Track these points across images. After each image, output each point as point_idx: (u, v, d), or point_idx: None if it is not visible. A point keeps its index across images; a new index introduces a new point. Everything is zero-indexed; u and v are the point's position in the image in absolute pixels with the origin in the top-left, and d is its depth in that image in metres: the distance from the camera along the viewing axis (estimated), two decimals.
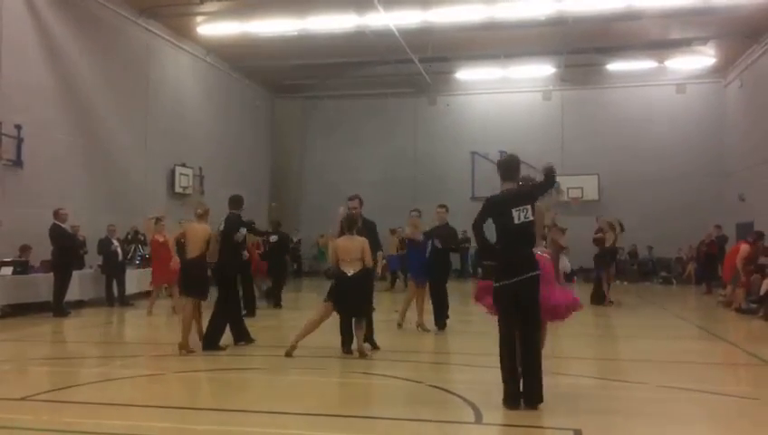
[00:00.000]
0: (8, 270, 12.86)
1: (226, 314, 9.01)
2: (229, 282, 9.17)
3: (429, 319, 10.70)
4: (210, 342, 8.79)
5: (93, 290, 14.75)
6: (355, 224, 8.55)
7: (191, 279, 8.79)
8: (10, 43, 14.54)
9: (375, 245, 8.75)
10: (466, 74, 25.47)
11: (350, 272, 8.21)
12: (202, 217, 9.00)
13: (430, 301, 10.73)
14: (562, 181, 24.71)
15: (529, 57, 23.55)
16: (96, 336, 11.27)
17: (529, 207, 5.76)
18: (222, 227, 9.12)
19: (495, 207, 5.84)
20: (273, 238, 14.15)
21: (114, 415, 5.54)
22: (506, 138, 25.71)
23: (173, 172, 20.55)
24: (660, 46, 22.46)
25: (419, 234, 10.63)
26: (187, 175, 21.12)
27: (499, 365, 5.73)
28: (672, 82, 25.15)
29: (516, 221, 5.71)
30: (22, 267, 13.21)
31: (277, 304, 14.28)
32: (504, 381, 5.65)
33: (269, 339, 10.10)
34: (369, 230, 8.84)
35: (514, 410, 5.50)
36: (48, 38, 15.76)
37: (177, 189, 20.59)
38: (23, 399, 6.06)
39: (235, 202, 9.40)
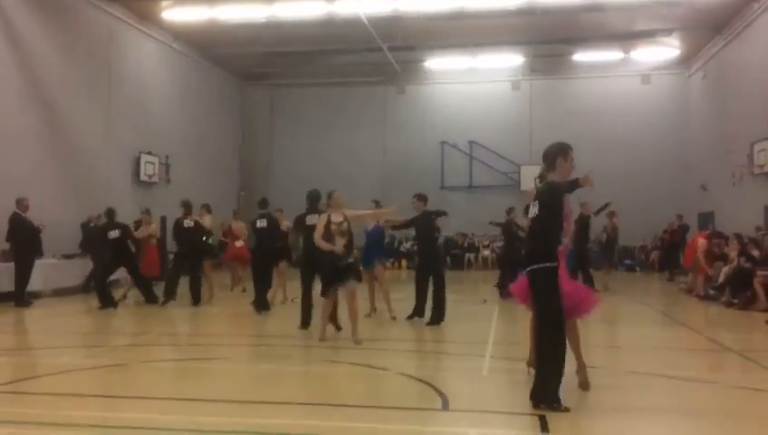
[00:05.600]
0: None
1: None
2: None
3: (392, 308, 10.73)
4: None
5: (55, 280, 14.45)
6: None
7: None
8: None
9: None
10: (436, 64, 25.48)
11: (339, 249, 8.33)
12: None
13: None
14: (529, 171, 25.07)
15: (498, 47, 23.65)
16: (59, 326, 11.06)
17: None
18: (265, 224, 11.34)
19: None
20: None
21: (75, 406, 5.45)
22: (476, 128, 25.98)
23: (138, 160, 20.21)
24: (626, 37, 22.77)
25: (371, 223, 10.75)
26: (153, 163, 20.78)
27: (551, 364, 5.19)
28: (637, 72, 25.51)
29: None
30: None
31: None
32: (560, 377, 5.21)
33: (241, 329, 10.05)
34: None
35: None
36: (6, 22, 15.33)
37: (143, 178, 20.26)
38: None
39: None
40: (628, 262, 24.19)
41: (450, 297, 10.58)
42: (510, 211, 13.58)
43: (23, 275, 12.57)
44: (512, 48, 23.96)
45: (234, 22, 20.11)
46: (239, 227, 15.47)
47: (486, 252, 24.58)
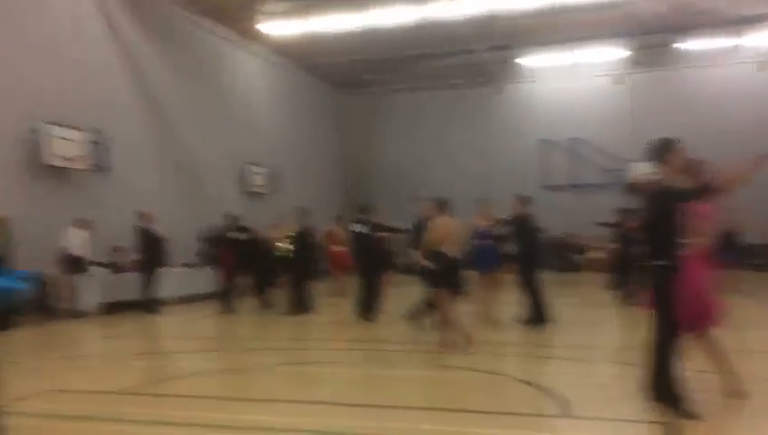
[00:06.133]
0: (103, 270, 13.56)
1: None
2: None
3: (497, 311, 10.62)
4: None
5: (180, 287, 15.21)
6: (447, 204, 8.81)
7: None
8: (95, 58, 15.30)
9: None
10: (533, 62, 25.04)
11: (452, 253, 8.37)
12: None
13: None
14: (636, 167, 24.10)
15: (598, 41, 22.94)
16: (186, 332, 11.71)
17: None
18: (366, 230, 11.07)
19: None
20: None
21: (205, 407, 5.79)
22: (577, 125, 25.28)
23: (246, 172, 21.10)
24: (737, 22, 21.46)
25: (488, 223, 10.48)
26: (261, 174, 21.64)
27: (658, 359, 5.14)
28: (752, 60, 23.99)
29: None
30: (114, 268, 13.90)
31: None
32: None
33: (351, 334, 10.30)
34: None
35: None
36: (128, 51, 16.49)
37: (252, 188, 21.14)
38: (119, 392, 6.37)
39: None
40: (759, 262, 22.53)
41: (563, 301, 10.38)
42: (621, 211, 13.10)
43: (151, 284, 13.42)
44: (612, 41, 23.16)
45: (330, 32, 20.59)
46: (338, 232, 15.78)
47: (596, 253, 23.72)
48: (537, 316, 9.93)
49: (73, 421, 5.36)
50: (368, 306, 11.24)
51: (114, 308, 13.40)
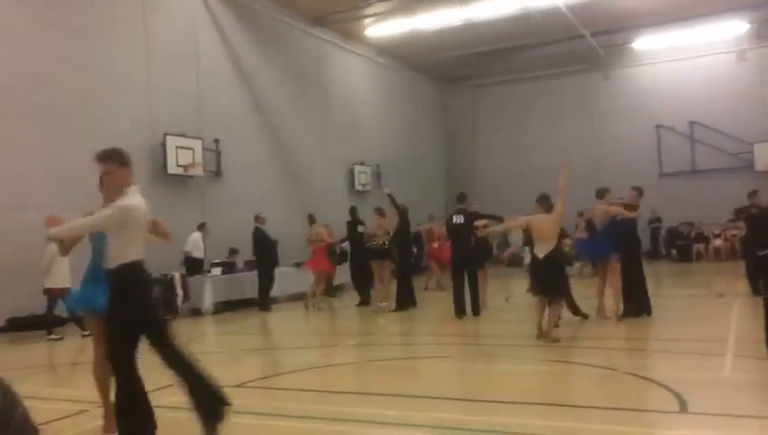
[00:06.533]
0: (218, 271, 14.30)
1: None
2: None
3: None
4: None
5: (289, 286, 15.74)
6: (549, 201, 8.47)
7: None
8: (207, 67, 16.12)
9: None
10: (644, 44, 23.84)
11: (541, 254, 8.16)
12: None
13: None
14: (766, 149, 22.39)
15: (715, 16, 21.48)
16: (296, 328, 12.13)
17: None
18: (462, 221, 10.73)
19: None
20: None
21: (316, 400, 5.96)
22: (695, 107, 23.81)
23: (352, 171, 21.53)
24: None
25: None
26: (366, 172, 22.01)
27: None
28: None
29: None
30: (229, 268, 14.61)
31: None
32: None
33: (457, 329, 10.27)
34: None
35: None
36: (236, 59, 17.26)
37: (357, 187, 21.54)
38: (238, 386, 6.69)
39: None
40: None
41: (680, 292, 9.87)
42: (752, 195, 12.17)
43: (265, 283, 13.98)
44: (732, 15, 21.61)
45: (431, 29, 20.60)
46: (437, 227, 15.85)
47: (718, 242, 22.27)
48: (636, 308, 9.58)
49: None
50: (469, 302, 10.89)
51: (229, 306, 14.09)
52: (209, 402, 4.56)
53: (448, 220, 11.44)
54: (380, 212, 13.18)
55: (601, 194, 10.01)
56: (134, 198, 4.61)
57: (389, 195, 12.91)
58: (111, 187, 4.65)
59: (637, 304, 9.67)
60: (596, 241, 10.14)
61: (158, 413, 4.60)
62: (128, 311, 4.47)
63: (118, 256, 4.50)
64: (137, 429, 4.47)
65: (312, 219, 14.48)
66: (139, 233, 4.62)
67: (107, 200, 4.69)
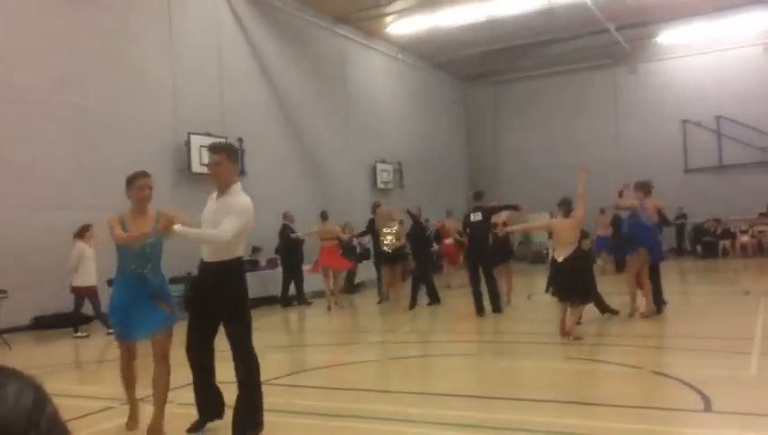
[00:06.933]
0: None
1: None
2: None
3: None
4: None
5: (312, 283, 15.80)
6: (570, 205, 8.39)
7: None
8: (229, 66, 16.24)
9: None
10: (670, 37, 23.50)
11: (560, 257, 8.12)
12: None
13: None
14: None
15: (743, 8, 21.10)
16: (322, 325, 12.19)
17: None
18: (481, 218, 10.58)
19: None
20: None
21: (341, 398, 6.00)
22: (722, 101, 23.43)
23: (374, 169, 21.55)
24: None
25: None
26: (387, 170, 22.02)
27: None
28: None
29: None
30: (252, 265, 14.73)
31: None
32: None
33: (478, 326, 10.26)
34: None
35: None
36: (259, 58, 17.38)
37: (379, 185, 21.57)
38: (264, 382, 6.75)
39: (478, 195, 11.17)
40: None
41: (705, 289, 9.74)
42: None
43: (296, 280, 14.13)
44: (759, 7, 21.20)
45: (454, 26, 20.53)
46: (450, 224, 15.85)
47: (745, 238, 21.92)
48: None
49: None
50: (485, 300, 10.74)
51: (253, 303, 14.16)
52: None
53: (466, 218, 11.35)
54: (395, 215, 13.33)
55: (648, 189, 9.70)
56: (246, 197, 4.83)
57: (408, 211, 13.22)
58: (220, 179, 4.81)
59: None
60: (627, 239, 9.86)
61: (175, 410, 4.65)
62: (243, 302, 4.84)
63: (227, 251, 4.69)
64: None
65: (324, 216, 14.18)
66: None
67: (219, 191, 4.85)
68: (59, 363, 8.67)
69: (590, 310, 9.37)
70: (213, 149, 4.91)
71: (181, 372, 5.01)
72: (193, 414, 4.97)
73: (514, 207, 11.30)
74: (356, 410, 5.46)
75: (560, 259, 8.16)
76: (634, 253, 9.53)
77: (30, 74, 11.98)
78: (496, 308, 10.81)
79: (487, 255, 10.86)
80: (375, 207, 13.95)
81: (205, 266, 4.82)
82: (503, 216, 11.40)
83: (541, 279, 12.90)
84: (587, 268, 8.65)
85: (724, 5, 20.64)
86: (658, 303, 9.72)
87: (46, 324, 11.52)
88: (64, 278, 10.87)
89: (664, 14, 21.41)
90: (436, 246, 16.52)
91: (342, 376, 7.25)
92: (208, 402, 4.91)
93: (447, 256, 16.30)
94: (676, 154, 24.13)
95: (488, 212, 10.94)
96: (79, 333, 10.82)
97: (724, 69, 23.60)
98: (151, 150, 13.94)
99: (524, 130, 27.05)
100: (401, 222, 13.49)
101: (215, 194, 4.92)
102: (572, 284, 8.13)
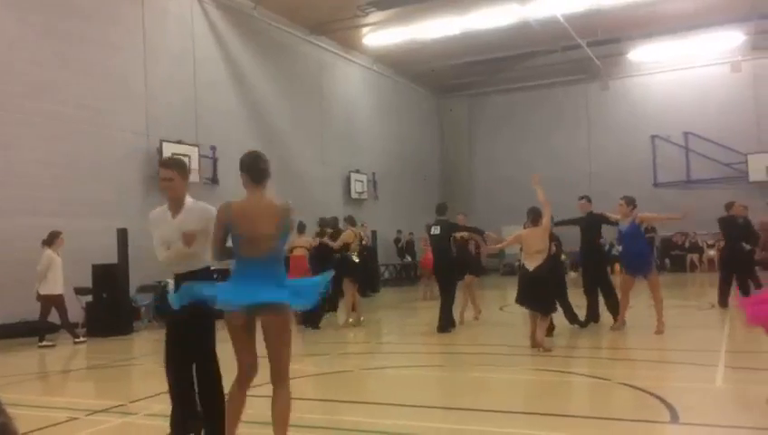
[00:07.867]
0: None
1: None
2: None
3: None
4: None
5: None
6: (538, 213, 8.47)
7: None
8: (203, 75, 16.17)
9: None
10: (640, 54, 23.98)
11: (530, 267, 8.16)
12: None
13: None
14: (759, 160, 22.48)
15: (711, 28, 21.63)
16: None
17: None
18: (439, 232, 10.42)
19: None
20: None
21: (303, 409, 5.96)
22: (691, 117, 23.98)
23: (348, 179, 21.54)
24: None
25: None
26: (362, 181, 22.03)
27: None
28: None
29: None
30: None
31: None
32: None
33: (449, 338, 10.26)
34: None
35: None
36: (234, 67, 17.33)
37: (353, 195, 21.55)
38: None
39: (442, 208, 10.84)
40: None
41: (673, 302, 9.91)
42: (729, 207, 12.19)
43: None
44: (727, 27, 21.76)
45: (430, 38, 20.68)
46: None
47: (712, 252, 22.36)
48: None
49: None
50: (443, 316, 10.45)
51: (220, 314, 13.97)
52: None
53: (428, 231, 11.17)
54: (352, 221, 12.80)
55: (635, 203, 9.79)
56: (204, 204, 4.83)
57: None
58: (174, 193, 4.75)
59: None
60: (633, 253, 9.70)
61: (136, 420, 4.57)
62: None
63: (203, 257, 4.73)
64: None
65: (299, 228, 13.73)
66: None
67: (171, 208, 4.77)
68: (23, 373, 8.48)
69: (563, 322, 9.45)
70: (165, 164, 4.87)
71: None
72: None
73: (480, 233, 10.98)
74: (315, 421, 5.41)
75: (530, 268, 8.21)
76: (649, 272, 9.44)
77: (4, 80, 11.82)
78: (440, 326, 10.42)
79: (444, 269, 10.61)
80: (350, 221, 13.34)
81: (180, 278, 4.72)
82: (463, 234, 11.29)
83: (512, 292, 12.96)
84: (553, 280, 8.68)
85: (693, 25, 21.12)
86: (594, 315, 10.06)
87: (10, 333, 11.25)
88: (30, 285, 10.65)
89: (635, 31, 21.86)
90: (410, 259, 16.56)
91: (308, 387, 7.19)
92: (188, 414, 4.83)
93: (425, 268, 16.28)
94: (645, 168, 24.58)
95: (449, 228, 10.72)
96: (44, 342, 10.59)
97: (693, 86, 24.16)
98: (123, 157, 13.78)
99: (499, 142, 27.31)
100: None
101: (167, 213, 4.76)
102: (534, 294, 8.19)
